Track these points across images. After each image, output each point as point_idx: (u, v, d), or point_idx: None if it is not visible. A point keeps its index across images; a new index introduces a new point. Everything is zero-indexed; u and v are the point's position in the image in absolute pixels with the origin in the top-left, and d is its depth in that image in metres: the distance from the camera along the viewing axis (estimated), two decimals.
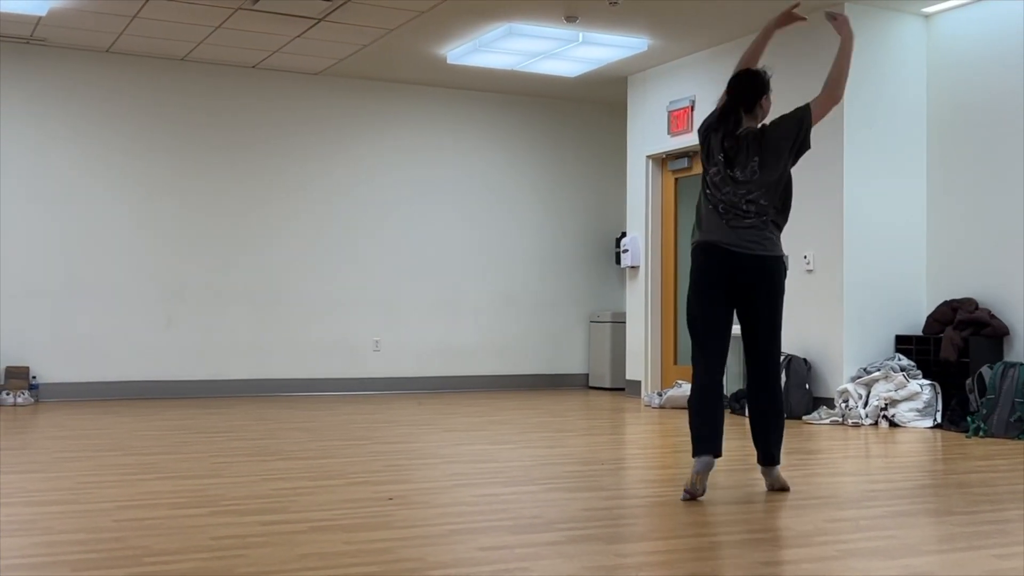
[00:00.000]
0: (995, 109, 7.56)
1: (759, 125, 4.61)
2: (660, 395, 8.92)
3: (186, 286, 9.76)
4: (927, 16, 8.06)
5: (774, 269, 4.57)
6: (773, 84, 4.68)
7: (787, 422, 7.57)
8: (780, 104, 4.80)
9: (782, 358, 8.04)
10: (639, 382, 9.91)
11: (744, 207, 4.49)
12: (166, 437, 6.52)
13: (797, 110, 4.59)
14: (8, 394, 8.76)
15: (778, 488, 4.52)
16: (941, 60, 7.98)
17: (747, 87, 4.62)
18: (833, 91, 4.62)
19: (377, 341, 10.47)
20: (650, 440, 6.64)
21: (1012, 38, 7.43)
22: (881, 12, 7.95)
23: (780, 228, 4.63)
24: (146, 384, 9.54)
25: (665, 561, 3.23)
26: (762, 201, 4.49)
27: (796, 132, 4.55)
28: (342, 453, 5.80)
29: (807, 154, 8.43)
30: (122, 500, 4.26)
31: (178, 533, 3.61)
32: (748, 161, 4.50)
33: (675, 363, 9.79)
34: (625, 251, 10.08)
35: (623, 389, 10.44)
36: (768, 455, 4.59)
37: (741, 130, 4.55)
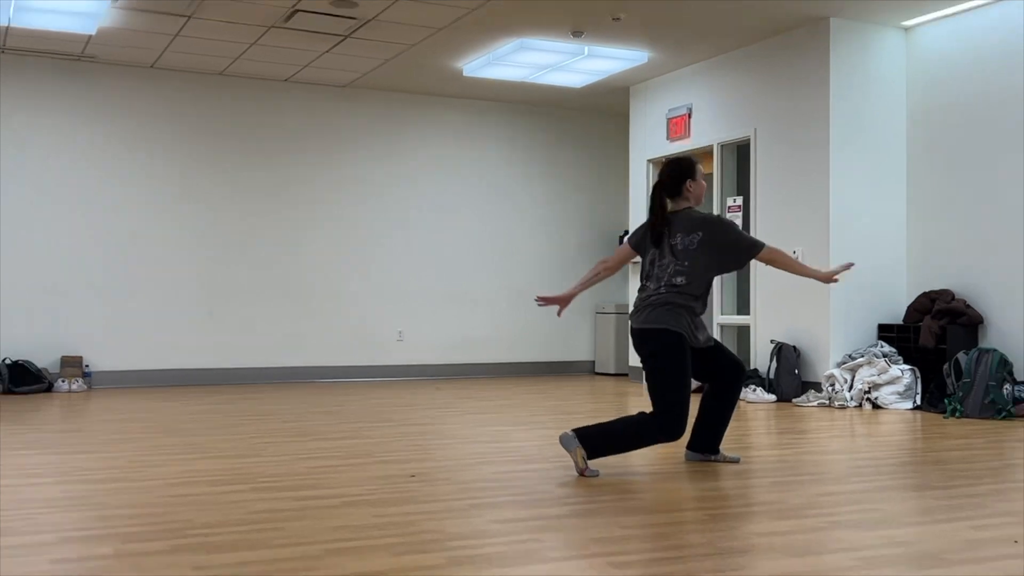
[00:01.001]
0: (969, 114, 7.53)
1: (694, 208, 4.56)
2: None
3: (226, 282, 9.79)
4: (906, 29, 8.03)
5: (655, 340, 4.46)
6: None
7: (778, 405, 7.65)
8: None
9: (772, 347, 8.08)
10: (641, 368, 9.90)
11: (669, 281, 4.42)
12: (208, 420, 6.55)
13: (748, 244, 4.54)
14: (64, 381, 8.81)
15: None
16: (919, 69, 7.95)
17: (670, 174, 4.55)
18: (783, 259, 4.59)
19: (400, 332, 10.49)
20: None
21: (984, 49, 7.40)
22: (864, 26, 7.92)
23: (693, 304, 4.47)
24: (190, 372, 9.58)
25: (665, 532, 3.23)
26: (685, 277, 4.40)
27: (728, 252, 4.49)
28: (369, 434, 5.82)
29: (798, 157, 8.44)
30: (168, 478, 4.28)
31: (220, 508, 3.62)
32: (690, 234, 4.42)
33: None
34: None
35: (627, 375, 10.45)
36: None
37: (672, 212, 4.50)
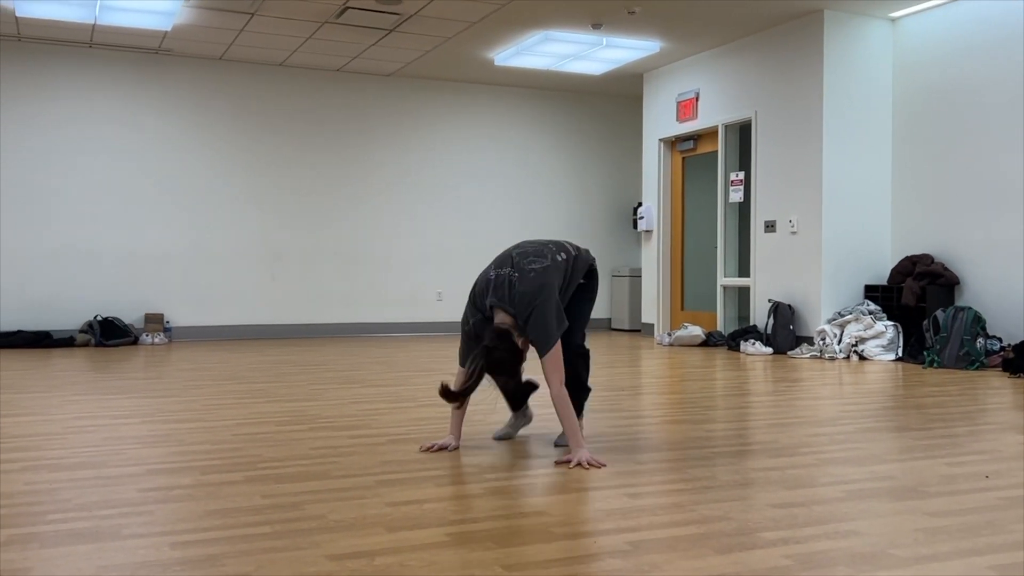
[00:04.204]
0: (949, 97, 7.40)
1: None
2: (669, 335, 8.88)
3: (286, 249, 9.84)
4: (893, 20, 7.87)
5: None
6: None
7: (774, 357, 7.61)
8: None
9: (770, 304, 8.01)
10: (652, 324, 9.89)
11: None
12: (273, 369, 6.61)
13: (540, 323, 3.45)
14: (147, 335, 8.91)
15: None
16: (904, 56, 7.80)
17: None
18: (550, 374, 3.41)
19: (439, 292, 10.51)
20: (661, 372, 6.63)
21: (963, 38, 7.25)
22: (855, 17, 7.77)
23: None
24: (256, 327, 9.66)
25: (674, 468, 3.24)
26: None
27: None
28: (412, 382, 5.85)
29: (794, 135, 8.31)
30: (239, 419, 4.33)
31: (284, 444, 3.66)
32: None
33: (682, 309, 9.74)
34: (641, 217, 10.02)
35: (639, 330, 10.42)
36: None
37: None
